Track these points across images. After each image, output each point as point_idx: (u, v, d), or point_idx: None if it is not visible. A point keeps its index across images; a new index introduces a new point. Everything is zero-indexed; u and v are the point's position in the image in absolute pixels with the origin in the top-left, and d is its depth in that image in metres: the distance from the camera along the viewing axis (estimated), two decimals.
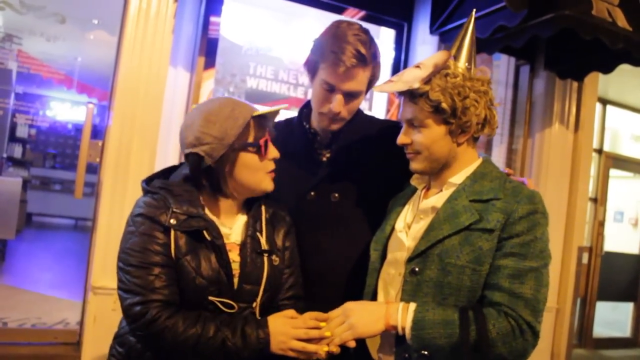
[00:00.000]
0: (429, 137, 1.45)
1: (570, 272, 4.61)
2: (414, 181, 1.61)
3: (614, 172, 6.53)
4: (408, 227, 1.54)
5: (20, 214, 7.58)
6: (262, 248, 1.57)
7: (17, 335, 3.37)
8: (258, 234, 1.59)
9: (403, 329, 1.37)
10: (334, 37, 1.67)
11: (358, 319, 1.40)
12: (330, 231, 1.74)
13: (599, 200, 6.28)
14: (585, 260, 5.63)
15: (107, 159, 3.15)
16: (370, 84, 1.73)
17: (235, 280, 1.51)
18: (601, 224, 6.24)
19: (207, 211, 1.54)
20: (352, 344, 1.42)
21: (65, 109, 10.19)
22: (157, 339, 1.41)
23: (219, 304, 1.48)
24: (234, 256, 1.53)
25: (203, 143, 1.47)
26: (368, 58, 1.66)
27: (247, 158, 1.53)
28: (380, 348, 1.51)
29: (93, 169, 3.43)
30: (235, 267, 1.52)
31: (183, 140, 1.53)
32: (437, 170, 1.52)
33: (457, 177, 1.50)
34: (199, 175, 1.51)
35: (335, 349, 1.43)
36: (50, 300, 4.41)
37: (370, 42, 1.69)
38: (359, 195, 1.75)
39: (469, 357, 1.30)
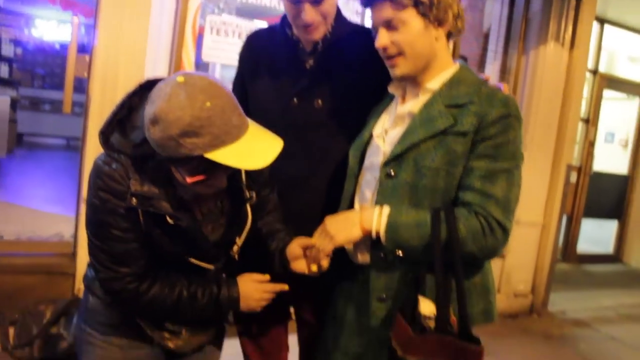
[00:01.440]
0: (410, 34, 1.44)
1: (558, 190, 4.69)
2: (391, 88, 1.60)
3: (607, 93, 6.51)
4: (385, 132, 1.55)
5: (10, 134, 7.56)
6: (246, 197, 1.53)
7: (13, 246, 3.43)
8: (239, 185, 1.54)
9: (378, 232, 1.41)
10: None
11: (336, 228, 1.45)
12: (312, 137, 1.75)
13: (591, 120, 6.30)
14: (573, 179, 5.73)
15: (95, 74, 3.11)
16: None
17: (215, 238, 1.52)
18: (592, 144, 6.29)
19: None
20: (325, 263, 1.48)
21: (51, 28, 9.94)
22: (132, 306, 1.47)
23: (199, 264, 1.50)
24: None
25: (199, 134, 1.25)
26: None
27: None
28: (358, 250, 1.55)
29: (82, 88, 3.39)
30: (216, 234, 1.52)
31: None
32: (418, 72, 1.50)
33: (434, 82, 1.49)
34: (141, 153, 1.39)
35: (324, 264, 1.48)
36: (45, 215, 4.46)
37: None
38: (342, 103, 1.75)
39: (440, 256, 1.34)
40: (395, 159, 1.45)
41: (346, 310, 1.57)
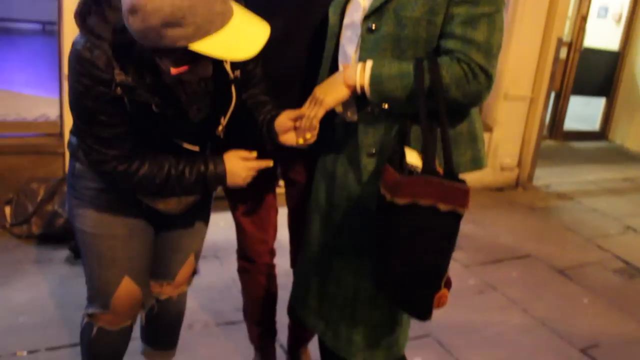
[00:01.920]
0: None
1: (547, 64, 4.63)
2: None
3: None
4: None
5: None
6: (230, 78, 1.49)
7: (0, 128, 3.39)
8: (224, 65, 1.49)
9: (362, 87, 1.40)
10: None
11: (322, 92, 1.44)
12: None
13: None
14: (563, 54, 5.65)
15: None
16: None
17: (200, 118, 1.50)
18: (584, 19, 6.15)
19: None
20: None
21: None
22: (123, 185, 1.46)
23: (185, 145, 1.49)
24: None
25: (183, 24, 1.18)
26: None
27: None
28: (346, 108, 1.54)
29: None
30: (200, 114, 1.49)
31: None
32: None
33: None
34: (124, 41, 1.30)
35: (314, 133, 1.47)
36: (28, 97, 4.39)
37: None
38: None
39: (425, 105, 1.34)
40: (375, 12, 1.42)
41: (336, 166, 1.59)
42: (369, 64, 1.40)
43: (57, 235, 3.05)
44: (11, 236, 3.12)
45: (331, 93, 1.43)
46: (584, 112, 7.28)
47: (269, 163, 1.54)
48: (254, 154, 1.55)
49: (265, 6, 1.63)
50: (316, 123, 1.45)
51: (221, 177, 1.50)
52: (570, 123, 6.75)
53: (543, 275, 3.37)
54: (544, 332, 2.75)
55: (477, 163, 1.52)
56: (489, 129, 4.58)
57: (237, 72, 1.51)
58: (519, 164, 4.88)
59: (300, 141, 1.49)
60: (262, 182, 1.83)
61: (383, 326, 1.56)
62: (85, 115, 1.35)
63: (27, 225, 3.10)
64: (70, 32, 3.04)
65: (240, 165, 1.52)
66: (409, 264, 1.32)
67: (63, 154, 3.31)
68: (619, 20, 7.03)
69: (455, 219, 1.28)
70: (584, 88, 6.59)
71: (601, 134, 7.01)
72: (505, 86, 4.54)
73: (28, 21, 9.39)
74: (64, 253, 2.96)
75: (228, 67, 1.48)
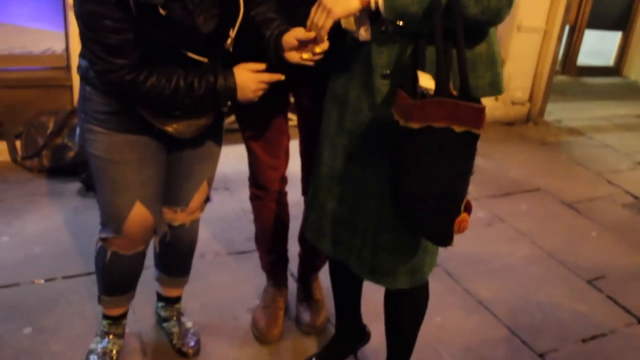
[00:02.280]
0: None
1: None
2: None
3: None
4: None
5: None
6: None
7: (7, 61, 3.36)
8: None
9: (376, 2, 1.35)
10: None
11: (334, 1, 1.37)
12: None
13: None
14: None
15: None
16: None
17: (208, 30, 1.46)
18: None
19: None
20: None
21: None
22: (131, 98, 1.45)
23: (193, 56, 1.45)
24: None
25: None
26: None
27: None
28: (359, 26, 1.49)
29: None
30: (208, 25, 1.45)
31: None
32: None
33: None
34: None
35: (324, 46, 1.43)
36: (33, 31, 4.30)
37: None
38: None
39: (441, 21, 1.28)
40: None
41: (348, 90, 1.56)
42: None
43: (68, 168, 3.07)
44: (23, 169, 3.15)
45: (341, 3, 1.37)
46: (598, 47, 7.11)
47: (280, 77, 1.52)
48: (264, 65, 1.52)
49: None
50: (324, 34, 1.40)
51: (231, 90, 1.49)
52: (584, 58, 6.61)
53: (552, 208, 3.38)
54: (551, 263, 2.78)
55: (495, 87, 1.49)
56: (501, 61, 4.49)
57: None
58: (531, 98, 4.81)
59: (305, 56, 1.45)
60: (273, 107, 1.82)
61: (408, 252, 1.55)
62: (90, 20, 1.32)
63: (38, 158, 3.12)
64: None
65: (250, 78, 1.50)
66: (428, 188, 1.31)
67: (71, 87, 3.29)
68: None
69: (471, 139, 1.25)
70: (600, 21, 6.40)
71: (615, 70, 6.87)
72: (519, 17, 4.41)
73: None
74: (75, 185, 2.98)
75: None
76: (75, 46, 3.18)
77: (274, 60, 1.51)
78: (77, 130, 3.07)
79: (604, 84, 6.50)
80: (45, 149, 3.10)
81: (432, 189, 1.31)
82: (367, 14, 1.42)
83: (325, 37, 1.43)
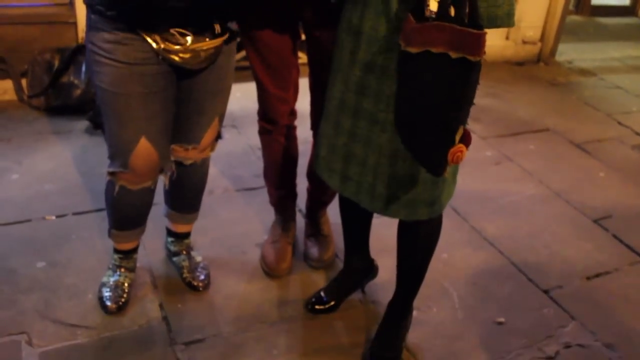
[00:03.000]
0: None
1: None
2: None
3: None
4: None
5: None
6: None
7: None
8: None
9: None
10: None
11: None
12: None
13: None
14: None
15: None
16: None
17: None
18: None
19: None
20: None
21: None
22: None
23: None
24: None
25: None
26: None
27: None
28: None
29: None
30: None
31: None
32: None
33: None
34: None
35: None
36: None
37: None
38: None
39: None
40: None
41: (363, 20, 1.51)
42: None
43: (75, 106, 3.06)
44: (30, 108, 3.14)
45: None
46: None
47: None
48: None
49: None
50: None
51: None
52: None
53: (561, 148, 3.36)
54: (559, 202, 2.79)
55: (510, 18, 1.44)
56: None
57: None
58: (542, 38, 4.70)
59: None
60: (283, 38, 1.78)
61: (427, 181, 1.54)
62: None
63: (45, 97, 3.10)
64: None
65: None
66: (422, 115, 1.30)
67: (75, 24, 3.24)
68: None
69: (467, 66, 1.22)
70: None
71: (631, 10, 6.68)
72: None
73: None
74: (83, 124, 2.98)
75: None
76: None
77: None
78: (84, 67, 3.06)
79: (619, 24, 6.34)
80: (52, 88, 3.08)
81: (427, 116, 1.30)
82: None
83: None
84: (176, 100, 1.68)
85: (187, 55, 1.53)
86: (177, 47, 1.50)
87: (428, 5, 1.29)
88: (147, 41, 1.48)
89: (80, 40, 3.20)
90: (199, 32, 1.52)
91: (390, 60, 1.45)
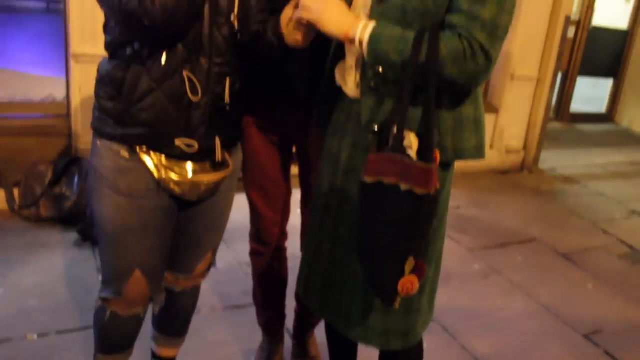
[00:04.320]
0: None
1: (554, 44, 4.60)
2: None
3: None
4: None
5: None
6: None
7: (7, 109, 3.38)
8: None
9: (361, 42, 1.37)
10: None
11: (329, 9, 1.40)
12: None
13: None
14: (571, 34, 5.59)
15: None
16: None
17: None
18: None
19: None
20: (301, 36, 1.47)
21: None
22: (154, 12, 1.33)
23: None
24: None
25: None
26: None
27: None
28: (348, 84, 1.53)
29: None
30: None
31: None
32: None
33: None
34: None
35: (304, 32, 1.46)
36: (34, 78, 4.39)
37: None
38: None
39: (415, 76, 1.30)
40: None
41: (341, 149, 1.58)
42: (374, 22, 1.38)
43: (66, 218, 3.07)
44: (20, 219, 3.14)
45: (331, 20, 1.40)
46: (591, 94, 7.23)
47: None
48: None
49: None
50: (304, 16, 1.42)
51: None
52: (577, 105, 6.71)
53: (548, 260, 3.38)
54: (548, 317, 2.78)
55: (479, 152, 1.50)
56: (495, 110, 4.56)
57: None
58: (525, 146, 4.87)
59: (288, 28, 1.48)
60: (276, 161, 1.85)
61: (399, 312, 1.53)
62: None
63: (36, 208, 3.12)
64: (76, 11, 3.02)
65: None
66: (375, 244, 1.33)
67: (70, 136, 3.32)
68: None
69: (414, 199, 1.26)
70: (592, 68, 6.53)
71: (608, 117, 6.98)
72: (512, 66, 4.51)
73: None
74: (72, 236, 2.98)
75: None
76: (76, 93, 3.22)
77: (273, 39, 1.54)
78: (76, 178, 3.10)
79: (597, 131, 6.59)
80: (43, 199, 3.11)
81: (378, 245, 1.32)
82: (358, 72, 1.46)
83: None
84: (173, 231, 1.69)
85: (187, 187, 1.56)
86: (178, 177, 1.54)
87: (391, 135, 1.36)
88: (148, 170, 1.52)
89: (75, 152, 3.27)
90: (201, 158, 1.56)
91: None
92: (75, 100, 3.22)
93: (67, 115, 3.36)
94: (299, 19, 1.44)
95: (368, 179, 1.31)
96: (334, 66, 1.58)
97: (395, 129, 1.34)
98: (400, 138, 1.31)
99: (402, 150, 1.30)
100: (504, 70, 4.49)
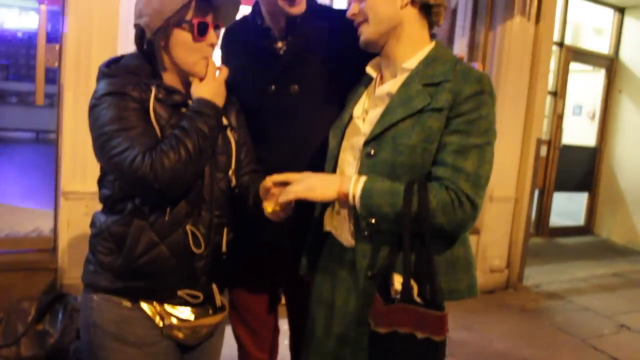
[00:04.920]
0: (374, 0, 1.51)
1: (529, 164, 4.79)
2: (369, 69, 1.64)
3: (574, 66, 6.63)
4: (365, 113, 1.59)
5: None
6: (223, 124, 1.61)
7: None
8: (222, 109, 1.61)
9: (354, 197, 1.45)
10: None
11: (315, 183, 1.47)
12: (291, 122, 1.77)
13: (559, 93, 6.41)
14: (543, 152, 5.85)
15: (67, 63, 3.08)
16: None
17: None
18: (560, 117, 6.42)
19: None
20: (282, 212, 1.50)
21: (13, 16, 9.69)
22: (166, 170, 1.40)
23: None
24: None
25: (144, 15, 1.50)
26: None
27: (181, 36, 1.52)
28: (343, 233, 1.59)
29: (50, 79, 3.34)
30: None
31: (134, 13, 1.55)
32: (386, 43, 1.54)
33: (411, 62, 1.53)
34: (141, 47, 1.55)
35: (285, 209, 1.49)
36: (21, 210, 4.42)
37: None
38: (317, 87, 1.77)
39: (409, 226, 1.37)
40: (374, 139, 1.49)
41: (335, 294, 1.61)
42: (365, 177, 1.46)
43: (48, 356, 2.99)
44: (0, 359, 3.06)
45: (321, 187, 1.46)
46: (568, 208, 7.42)
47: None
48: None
49: (267, 134, 1.73)
50: (292, 197, 1.46)
51: (204, 101, 1.52)
52: (555, 219, 6.87)
53: None
54: None
55: (472, 290, 1.55)
56: (476, 231, 4.65)
57: (233, 133, 1.64)
58: (508, 264, 4.91)
59: (269, 209, 1.50)
60: (264, 303, 1.87)
61: None
62: (112, 123, 1.42)
63: (16, 346, 3.04)
64: (69, 142, 3.13)
65: (213, 85, 1.56)
66: None
67: (55, 270, 3.30)
68: (593, 118, 7.34)
69: (432, 346, 1.30)
70: (566, 184, 6.77)
71: (586, 229, 7.13)
72: (491, 188, 4.65)
73: (22, 130, 9.57)
74: None
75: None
76: (64, 228, 3.24)
77: (252, 209, 1.58)
78: (60, 315, 3.05)
79: (578, 244, 6.69)
80: (25, 337, 3.04)
81: None
82: (352, 221, 1.52)
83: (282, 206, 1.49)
84: None
85: (189, 332, 1.57)
86: (180, 323, 1.55)
87: (393, 284, 1.40)
88: (150, 318, 1.52)
89: (60, 287, 3.25)
90: (201, 304, 1.58)
91: (363, 334, 1.51)
92: (63, 235, 3.24)
93: (54, 249, 3.37)
94: (291, 199, 1.47)
95: (382, 330, 1.34)
96: (323, 212, 1.65)
97: (394, 277, 1.40)
98: (408, 288, 1.36)
99: (413, 301, 1.35)
100: None
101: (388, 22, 1.51)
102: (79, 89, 3.07)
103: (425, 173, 1.45)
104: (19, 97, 9.14)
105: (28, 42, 10.05)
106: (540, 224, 6.59)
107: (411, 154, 1.44)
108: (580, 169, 6.97)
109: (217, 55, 1.72)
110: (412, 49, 1.54)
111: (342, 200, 1.48)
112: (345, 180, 1.47)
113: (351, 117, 1.62)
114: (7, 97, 9.30)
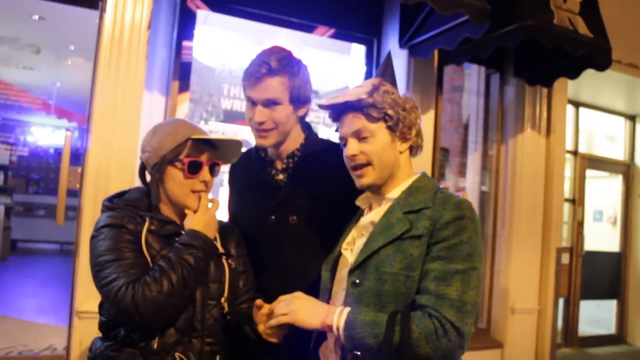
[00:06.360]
0: (378, 145, 1.56)
1: (550, 273, 4.70)
2: (359, 202, 1.69)
3: (590, 173, 6.65)
4: (353, 244, 1.62)
5: (4, 241, 7.58)
6: (219, 251, 1.69)
7: None
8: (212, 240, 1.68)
9: (338, 328, 1.44)
10: (251, 60, 1.82)
11: (300, 307, 1.49)
12: (289, 253, 1.82)
13: (577, 200, 6.39)
14: (565, 260, 5.75)
15: (87, 185, 3.19)
16: (293, 93, 1.80)
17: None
18: (580, 224, 6.35)
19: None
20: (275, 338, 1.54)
21: (46, 134, 10.17)
22: (151, 302, 1.46)
23: None
24: None
25: (145, 151, 1.65)
26: (276, 67, 1.75)
27: (173, 172, 1.64)
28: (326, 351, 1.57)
29: (75, 192, 3.47)
30: None
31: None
32: (383, 183, 1.60)
33: (394, 192, 1.59)
34: (143, 180, 1.71)
35: (276, 335, 1.53)
36: (37, 326, 4.41)
37: (281, 54, 1.80)
38: (315, 218, 1.83)
39: (393, 357, 1.35)
40: (358, 267, 1.51)
41: None
42: (349, 308, 1.46)
43: None
44: None
45: (306, 315, 1.48)
46: (596, 316, 7.15)
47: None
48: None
49: (264, 263, 1.76)
50: (276, 323, 1.49)
51: (194, 233, 1.59)
52: (585, 327, 6.61)
53: None
54: None
55: None
56: (500, 345, 4.50)
57: (230, 261, 1.71)
58: None
59: (261, 329, 1.54)
60: None
61: None
62: (106, 253, 1.54)
63: None
64: (86, 254, 3.14)
65: (204, 218, 1.63)
66: None
67: None
68: (614, 223, 7.25)
69: None
70: (593, 291, 6.57)
71: (618, 337, 6.82)
72: (512, 300, 4.55)
73: (47, 242, 9.78)
74: None
75: (219, 245, 1.69)
76: (76, 347, 3.22)
77: (253, 336, 1.59)
78: None
79: (610, 354, 6.38)
80: None
81: None
82: (339, 348, 1.51)
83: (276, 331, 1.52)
84: None
85: None
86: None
87: None
88: None
89: None
90: None
91: None
92: (75, 355, 3.22)
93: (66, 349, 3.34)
94: (275, 325, 1.52)
95: None
96: (318, 347, 1.64)
97: None
98: None
99: None
100: (504, 305, 4.55)
101: (391, 167, 1.59)
102: (97, 209, 3.12)
103: (410, 302, 1.45)
104: (46, 210, 9.40)
105: (58, 158, 10.42)
106: (569, 333, 6.34)
107: (394, 282, 1.45)
108: (606, 275, 6.79)
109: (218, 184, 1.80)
110: (398, 182, 1.59)
111: (327, 331, 1.48)
112: (330, 311, 1.48)
113: (341, 250, 1.65)
114: (35, 210, 9.57)
